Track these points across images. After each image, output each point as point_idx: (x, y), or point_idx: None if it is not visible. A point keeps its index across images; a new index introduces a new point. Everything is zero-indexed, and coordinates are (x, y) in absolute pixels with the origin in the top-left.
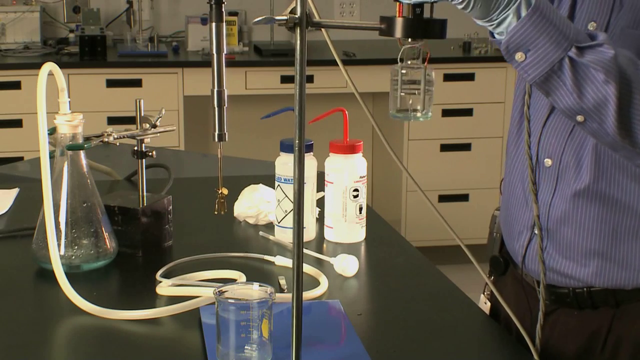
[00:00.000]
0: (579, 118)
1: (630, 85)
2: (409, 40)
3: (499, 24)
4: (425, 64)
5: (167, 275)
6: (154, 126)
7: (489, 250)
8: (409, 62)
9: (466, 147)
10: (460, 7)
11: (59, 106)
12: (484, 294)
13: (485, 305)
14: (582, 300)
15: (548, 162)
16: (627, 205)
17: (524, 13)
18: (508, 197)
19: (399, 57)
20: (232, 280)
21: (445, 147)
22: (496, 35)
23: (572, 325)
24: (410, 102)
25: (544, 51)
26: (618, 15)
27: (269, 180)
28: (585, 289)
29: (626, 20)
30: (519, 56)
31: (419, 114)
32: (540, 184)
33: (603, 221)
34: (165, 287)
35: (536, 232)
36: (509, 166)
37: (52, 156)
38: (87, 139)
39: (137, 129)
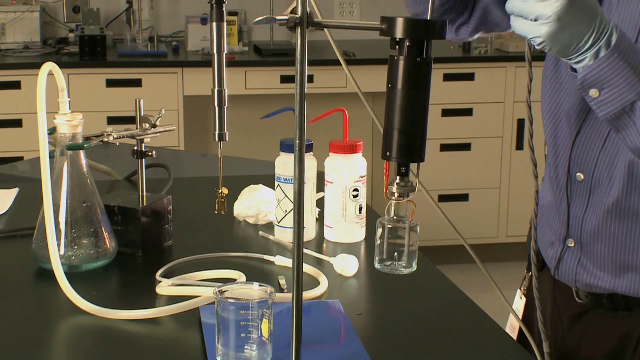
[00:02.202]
0: None
1: None
2: (396, 196)
3: (577, 63)
4: (411, 218)
5: (167, 275)
6: (154, 126)
7: (529, 245)
8: (395, 217)
9: (466, 147)
10: (538, 47)
11: (59, 106)
12: (520, 289)
13: (520, 300)
14: (617, 303)
15: (580, 176)
16: None
17: (602, 53)
18: (541, 205)
19: (385, 210)
20: (232, 280)
21: (445, 147)
22: (573, 65)
23: (606, 327)
24: (395, 255)
25: (618, 92)
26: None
27: (269, 180)
28: (621, 295)
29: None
30: (594, 92)
31: (403, 267)
32: (573, 198)
33: (636, 236)
34: (165, 287)
35: (570, 245)
36: (545, 174)
37: (52, 156)
38: (87, 139)
39: (137, 129)
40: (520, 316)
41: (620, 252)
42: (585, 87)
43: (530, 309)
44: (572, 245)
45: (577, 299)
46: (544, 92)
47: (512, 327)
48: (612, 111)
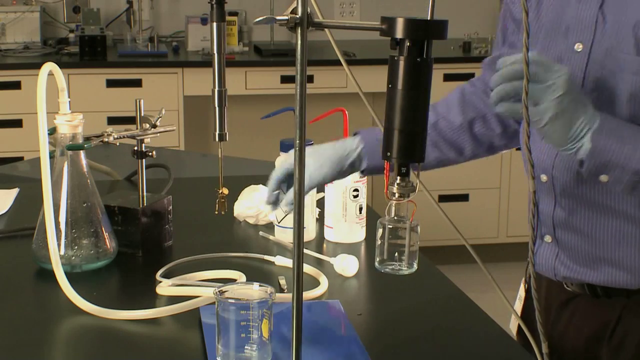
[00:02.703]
0: None
1: None
2: (397, 196)
3: (576, 153)
4: (411, 218)
5: (167, 276)
6: (154, 126)
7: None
8: (395, 217)
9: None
10: (538, 129)
11: (59, 106)
12: (523, 280)
13: (523, 288)
14: (595, 291)
15: (543, 177)
16: (626, 212)
17: (589, 138)
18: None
19: (386, 210)
20: (232, 280)
21: None
22: (567, 153)
23: (590, 313)
24: (396, 255)
25: (618, 172)
26: (602, 37)
27: None
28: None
29: (610, 42)
30: (604, 178)
31: (404, 267)
32: (541, 197)
33: (605, 229)
34: (165, 287)
35: (547, 240)
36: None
37: (52, 156)
38: (87, 139)
39: (137, 129)
40: (521, 306)
41: (593, 245)
42: (594, 176)
43: (530, 300)
44: (550, 241)
45: (565, 286)
46: None
47: (519, 299)
48: (624, 187)
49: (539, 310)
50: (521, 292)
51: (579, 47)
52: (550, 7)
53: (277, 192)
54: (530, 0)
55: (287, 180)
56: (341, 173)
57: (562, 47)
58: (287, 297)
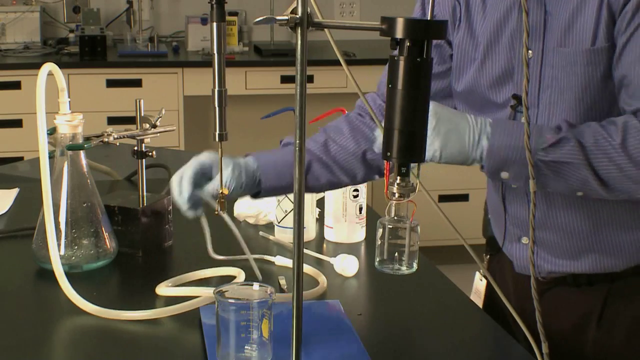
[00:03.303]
0: (579, 194)
1: (596, 158)
2: (397, 196)
3: (481, 160)
4: (411, 218)
5: (166, 277)
6: (154, 126)
7: (485, 230)
8: (395, 217)
9: None
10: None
11: (59, 106)
12: (479, 272)
13: (480, 282)
14: (580, 280)
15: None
16: (600, 201)
17: (485, 142)
18: (490, 205)
19: (386, 210)
20: (231, 278)
21: None
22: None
23: (569, 301)
24: (396, 255)
25: (517, 168)
26: (550, 38)
27: None
28: (583, 273)
29: (553, 41)
30: (504, 175)
31: (404, 267)
32: (512, 201)
33: (583, 221)
34: (164, 288)
35: (524, 242)
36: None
37: (52, 156)
38: (87, 139)
39: (137, 129)
40: (482, 297)
41: (574, 239)
42: (495, 175)
43: (491, 288)
44: (527, 242)
45: (538, 277)
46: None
47: (476, 293)
48: (525, 181)
49: (539, 310)
50: (478, 286)
51: (530, 54)
52: (484, 24)
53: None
54: (462, 22)
55: (198, 180)
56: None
57: (509, 57)
58: (287, 297)
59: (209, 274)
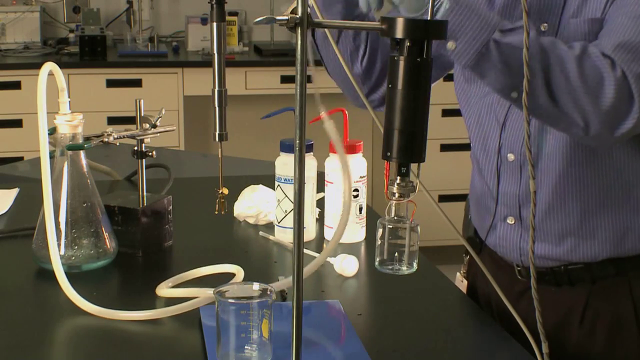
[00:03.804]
0: (513, 94)
1: (549, 59)
2: (397, 196)
3: (435, 14)
4: (411, 219)
5: (166, 276)
6: (154, 126)
7: (465, 231)
8: (395, 217)
9: (466, 147)
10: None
11: (59, 106)
12: (460, 272)
13: (462, 283)
14: (560, 277)
15: (511, 156)
16: (594, 182)
17: (447, 5)
18: (476, 186)
19: (386, 210)
20: (230, 275)
21: (445, 147)
22: None
23: (549, 301)
24: (396, 255)
25: (470, 37)
26: (566, 9)
27: (269, 180)
28: (562, 267)
29: (569, 13)
30: (450, 45)
31: (404, 267)
32: (505, 177)
33: (572, 202)
34: (164, 289)
35: (510, 222)
36: (472, 160)
37: (52, 156)
38: (87, 139)
39: (137, 129)
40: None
41: (558, 220)
42: (444, 43)
43: (472, 289)
44: (512, 222)
45: (519, 276)
46: (458, 90)
47: (460, 280)
48: (471, 56)
49: (539, 310)
50: (459, 287)
51: (544, 27)
52: None
53: None
54: None
55: None
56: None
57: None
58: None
59: (209, 271)
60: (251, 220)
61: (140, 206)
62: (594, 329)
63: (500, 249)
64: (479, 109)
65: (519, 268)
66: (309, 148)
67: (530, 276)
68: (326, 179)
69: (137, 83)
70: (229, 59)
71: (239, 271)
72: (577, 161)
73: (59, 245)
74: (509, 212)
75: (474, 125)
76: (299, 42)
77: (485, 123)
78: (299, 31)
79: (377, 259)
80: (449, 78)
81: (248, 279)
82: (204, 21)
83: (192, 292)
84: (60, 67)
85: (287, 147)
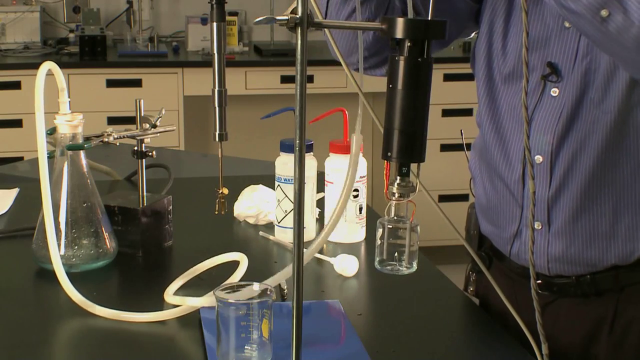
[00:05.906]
0: (603, 13)
1: None
2: (397, 196)
3: None
4: (411, 219)
5: (166, 276)
6: (154, 126)
7: (472, 246)
8: (395, 217)
9: (466, 147)
10: None
11: (59, 106)
12: (466, 291)
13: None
14: (586, 287)
15: (539, 158)
16: (626, 182)
17: None
18: (490, 196)
19: (386, 210)
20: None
21: (445, 147)
22: None
23: (577, 314)
24: (396, 255)
25: None
26: None
27: (269, 180)
28: (588, 275)
29: None
30: None
31: (404, 267)
32: (535, 180)
33: (605, 203)
34: (171, 296)
35: (536, 227)
36: (480, 171)
37: (52, 156)
38: (87, 139)
39: (137, 129)
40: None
41: (590, 223)
42: None
43: (486, 306)
44: (540, 227)
45: (538, 291)
46: (480, 95)
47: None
48: None
49: (539, 311)
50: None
51: (568, 24)
52: None
53: None
54: None
55: None
56: None
57: (549, 24)
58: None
59: (213, 263)
60: (251, 220)
61: (140, 206)
62: (624, 339)
63: (526, 257)
64: (502, 113)
65: (539, 281)
66: (309, 148)
67: (551, 289)
68: (326, 179)
69: (137, 83)
70: (229, 59)
71: (242, 258)
72: (610, 163)
73: (58, 245)
74: (536, 217)
75: (491, 133)
76: (299, 42)
77: (507, 127)
78: (299, 31)
79: (377, 259)
80: (449, 78)
81: (248, 279)
82: (204, 21)
83: (200, 301)
84: (60, 67)
85: (287, 147)
